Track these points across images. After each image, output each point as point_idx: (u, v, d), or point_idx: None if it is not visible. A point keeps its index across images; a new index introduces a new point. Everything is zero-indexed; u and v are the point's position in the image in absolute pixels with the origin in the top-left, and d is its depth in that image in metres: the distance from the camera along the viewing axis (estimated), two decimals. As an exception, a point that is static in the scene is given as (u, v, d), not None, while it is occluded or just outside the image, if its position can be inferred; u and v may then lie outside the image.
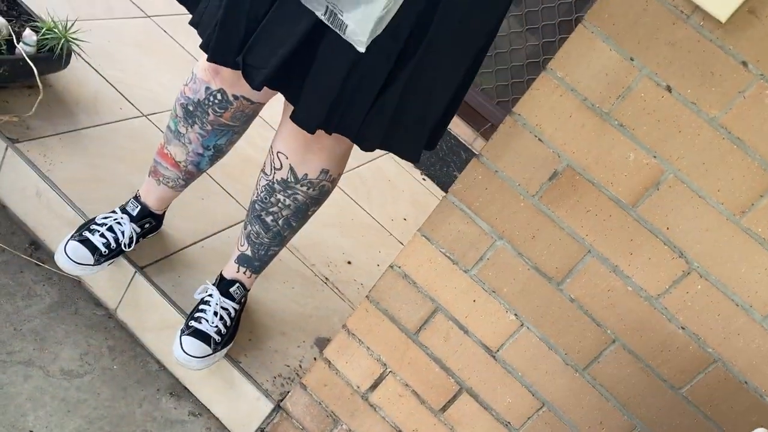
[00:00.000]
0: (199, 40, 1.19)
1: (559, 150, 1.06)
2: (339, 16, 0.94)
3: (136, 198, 1.49)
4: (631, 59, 0.99)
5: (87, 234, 1.42)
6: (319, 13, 0.97)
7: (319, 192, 1.33)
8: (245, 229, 1.41)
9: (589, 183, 1.05)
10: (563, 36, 2.90)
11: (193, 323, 1.39)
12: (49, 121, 1.68)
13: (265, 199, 1.35)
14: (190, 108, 1.33)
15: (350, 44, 1.04)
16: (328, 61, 1.08)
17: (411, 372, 1.28)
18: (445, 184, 2.66)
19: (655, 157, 1.01)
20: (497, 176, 1.11)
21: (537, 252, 1.11)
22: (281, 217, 1.35)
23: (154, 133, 1.86)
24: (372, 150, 1.22)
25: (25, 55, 1.64)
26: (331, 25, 0.97)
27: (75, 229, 1.45)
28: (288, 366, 1.53)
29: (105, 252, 1.42)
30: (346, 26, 0.95)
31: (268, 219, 1.36)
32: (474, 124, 3.13)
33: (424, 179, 2.61)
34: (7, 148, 1.56)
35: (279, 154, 1.30)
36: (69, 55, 1.76)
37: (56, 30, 1.72)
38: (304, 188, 1.31)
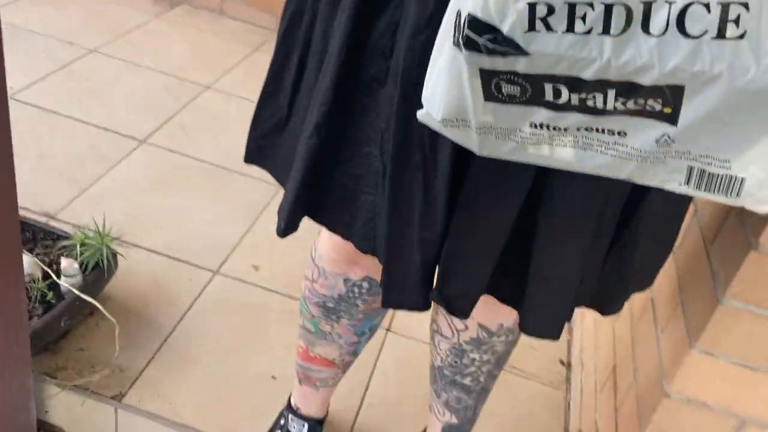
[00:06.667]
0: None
1: None
2: (718, 171, 0.57)
3: (295, 413, 1.22)
4: None
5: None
6: (674, 184, 0.60)
7: (519, 334, 1.06)
8: (438, 398, 1.15)
9: None
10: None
11: None
12: (134, 345, 1.40)
13: (455, 363, 1.08)
14: (330, 305, 1.05)
15: (577, 229, 0.76)
16: (557, 259, 0.80)
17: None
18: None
19: None
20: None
21: None
22: (482, 373, 1.09)
23: (239, 292, 1.58)
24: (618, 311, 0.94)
25: (74, 290, 1.35)
26: (698, 192, 0.59)
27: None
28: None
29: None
30: (741, 180, 0.56)
31: (466, 381, 1.10)
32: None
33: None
34: (116, 411, 1.28)
35: (459, 316, 1.02)
36: (115, 257, 1.47)
37: (89, 242, 1.42)
38: (503, 338, 1.04)
